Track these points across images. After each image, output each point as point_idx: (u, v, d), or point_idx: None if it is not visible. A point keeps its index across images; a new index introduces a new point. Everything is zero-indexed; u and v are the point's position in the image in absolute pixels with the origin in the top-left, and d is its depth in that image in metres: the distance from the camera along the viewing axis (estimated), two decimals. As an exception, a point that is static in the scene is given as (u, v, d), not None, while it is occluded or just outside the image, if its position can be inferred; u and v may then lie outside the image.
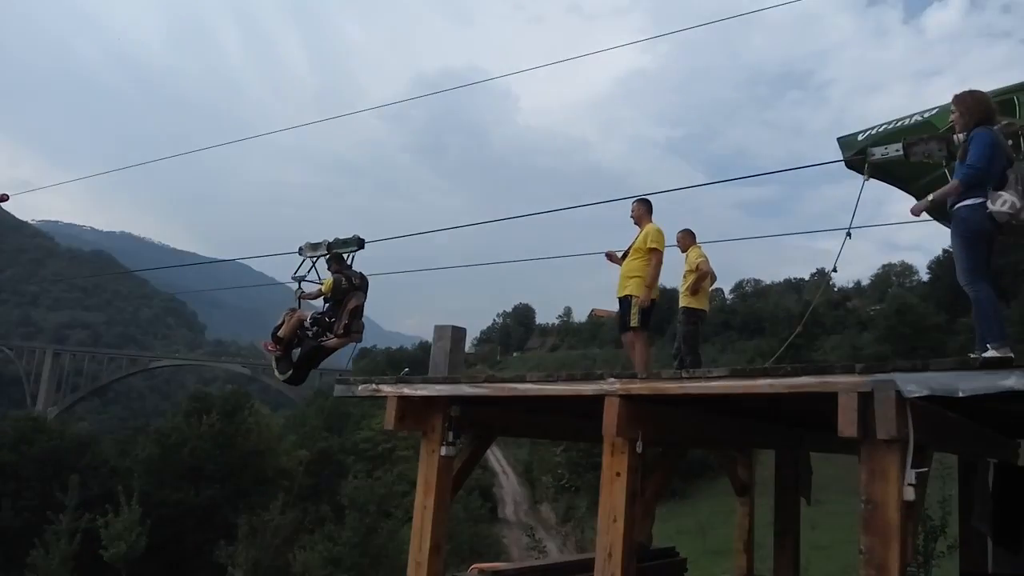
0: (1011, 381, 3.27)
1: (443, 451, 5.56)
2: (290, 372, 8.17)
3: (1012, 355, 3.91)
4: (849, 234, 5.90)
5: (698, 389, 4.24)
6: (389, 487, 34.07)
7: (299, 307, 8.32)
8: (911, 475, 3.58)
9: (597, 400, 4.53)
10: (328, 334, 7.85)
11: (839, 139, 5.94)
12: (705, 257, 7.95)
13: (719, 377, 4.19)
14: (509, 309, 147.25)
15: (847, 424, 3.58)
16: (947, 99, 5.11)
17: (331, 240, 8.40)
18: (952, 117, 4.77)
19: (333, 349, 7.97)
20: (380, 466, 44.36)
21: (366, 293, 8.02)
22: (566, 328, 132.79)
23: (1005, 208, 4.15)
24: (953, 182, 4.39)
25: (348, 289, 7.82)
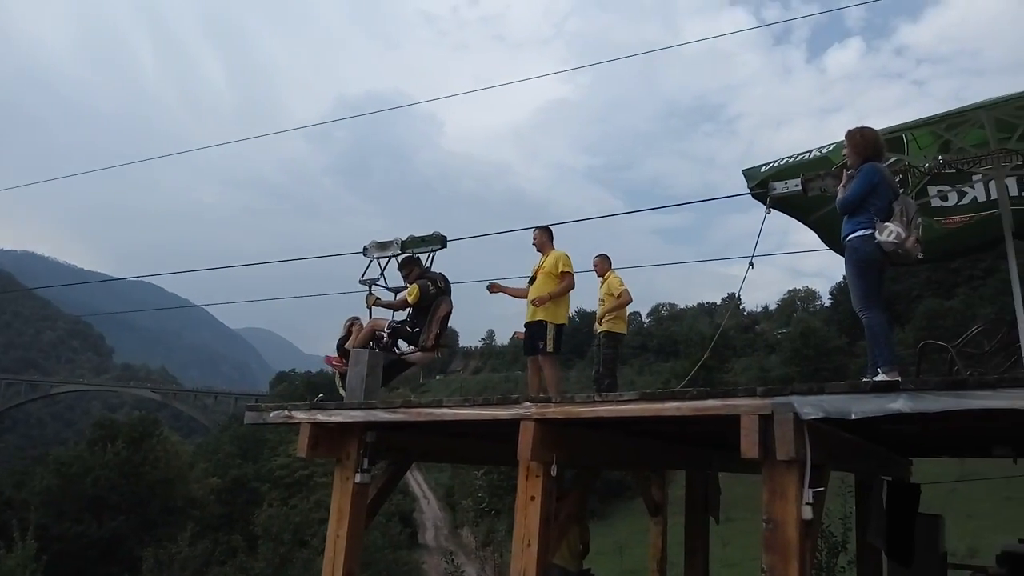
0: (898, 404, 3.47)
1: (358, 478, 5.47)
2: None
3: (899, 379, 4.18)
4: (752, 263, 6.17)
5: (610, 412, 4.33)
6: (305, 515, 33.07)
7: (371, 315, 7.29)
8: (809, 494, 3.73)
9: (513, 424, 4.57)
10: (408, 346, 6.98)
11: (744, 171, 6.23)
12: (623, 283, 8.13)
13: (630, 400, 4.29)
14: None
15: (749, 445, 3.72)
16: (843, 135, 5.49)
17: (404, 238, 7.35)
18: (844, 152, 5.08)
19: (415, 364, 7.13)
20: (296, 493, 43.11)
21: (451, 297, 7.21)
22: (489, 351, 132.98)
23: (891, 238, 4.48)
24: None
25: (436, 294, 6.98)
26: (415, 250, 7.25)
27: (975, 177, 6.42)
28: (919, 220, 4.67)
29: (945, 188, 6.65)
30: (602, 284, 8.21)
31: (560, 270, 7.29)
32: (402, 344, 7.07)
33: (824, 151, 5.98)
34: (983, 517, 26.45)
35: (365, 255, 7.37)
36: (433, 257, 7.28)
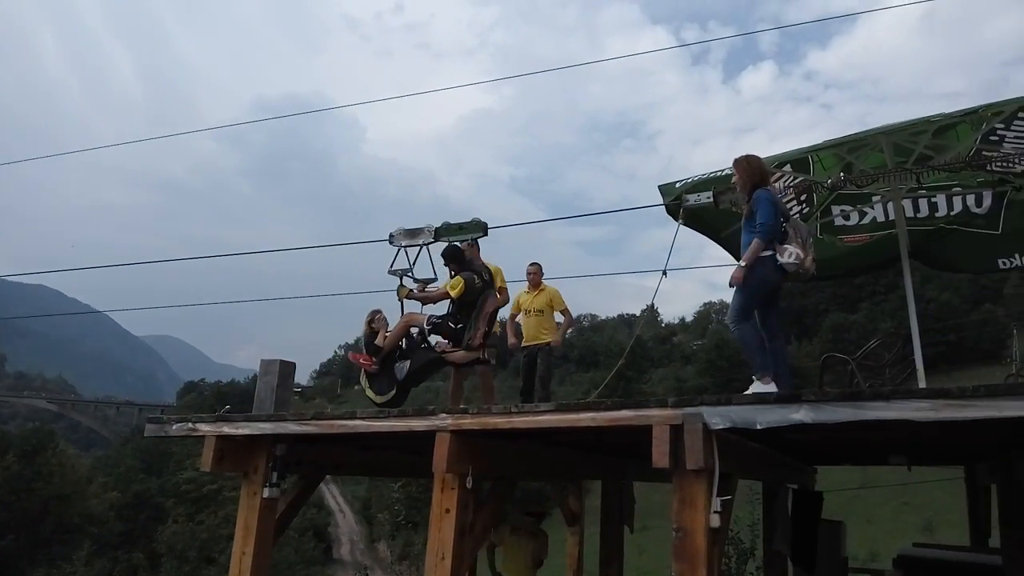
0: (800, 414, 3.59)
1: (266, 493, 5.28)
2: (393, 393, 6.45)
3: (774, 385, 4.40)
4: (664, 273, 6.32)
5: (526, 423, 4.32)
6: (213, 531, 31.88)
7: (402, 309, 6.76)
8: (716, 503, 3.81)
9: (429, 436, 4.50)
10: (447, 343, 6.42)
11: (660, 187, 6.38)
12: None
13: (546, 411, 4.29)
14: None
15: (660, 455, 3.77)
16: (760, 153, 5.77)
17: (439, 225, 6.70)
18: (734, 178, 5.32)
19: (458, 363, 6.49)
20: (204, 508, 41.55)
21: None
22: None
23: (792, 260, 4.77)
24: (754, 242, 4.88)
25: (482, 288, 6.38)
26: (451, 238, 6.65)
27: (875, 198, 6.77)
28: (811, 240, 4.98)
29: (847, 208, 6.98)
30: (537, 294, 7.88)
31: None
32: (432, 339, 6.66)
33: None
34: (882, 522, 27.84)
35: (391, 243, 6.81)
36: (477, 245, 6.73)
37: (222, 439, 5.23)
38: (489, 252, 7.13)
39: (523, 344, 7.84)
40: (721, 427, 3.72)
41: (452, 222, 6.64)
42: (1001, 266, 7.02)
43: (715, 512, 3.79)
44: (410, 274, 6.71)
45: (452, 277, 6.51)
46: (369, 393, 6.50)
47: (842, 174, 6.03)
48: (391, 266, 6.75)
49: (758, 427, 3.65)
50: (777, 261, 4.80)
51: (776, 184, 6.37)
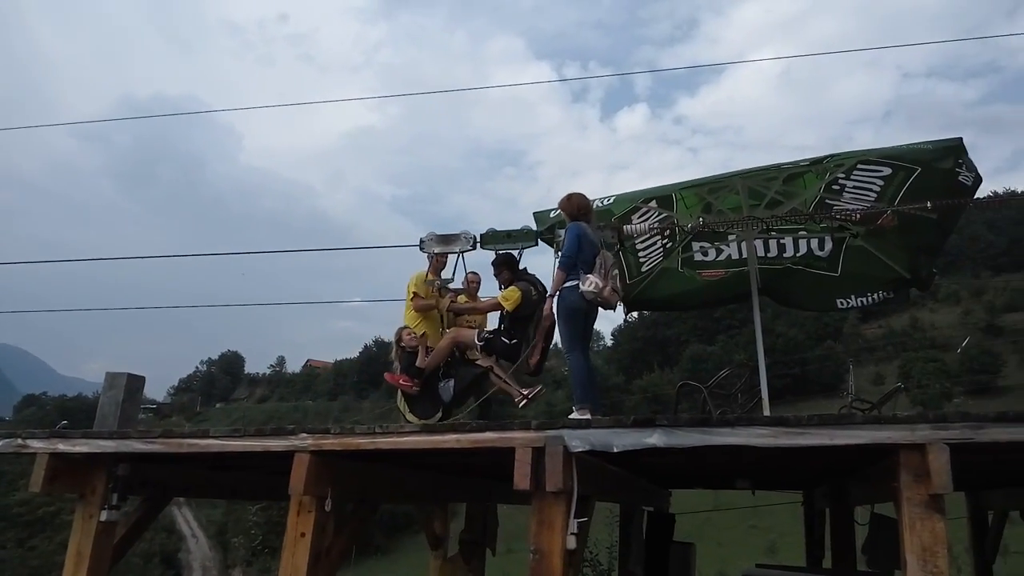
0: (654, 439, 3.75)
1: (104, 516, 4.90)
2: (439, 416, 5.88)
3: (589, 416, 4.71)
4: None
5: (390, 444, 4.26)
6: (47, 557, 29.31)
7: (442, 322, 6.17)
8: (574, 524, 3.90)
9: (288, 456, 4.35)
10: (497, 360, 5.80)
11: (535, 214, 6.53)
12: None
13: (411, 433, 4.26)
14: (215, 356, 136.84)
15: (521, 477, 3.82)
16: (631, 188, 6.10)
17: (484, 232, 6.09)
18: (558, 213, 5.74)
19: (504, 383, 5.80)
20: (39, 533, 38.07)
21: None
22: (278, 378, 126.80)
23: (591, 288, 5.12)
24: (556, 273, 5.30)
25: (539, 301, 5.75)
26: (498, 247, 6.09)
27: (730, 237, 7.24)
28: (615, 272, 5.36)
29: (706, 245, 7.42)
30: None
31: None
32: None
33: (606, 203, 6.44)
34: (731, 544, 29.30)
35: (422, 250, 6.20)
36: (521, 255, 6.13)
37: (56, 457, 4.82)
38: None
39: None
40: (581, 450, 3.82)
41: (499, 229, 6.15)
42: (839, 306, 7.67)
43: (572, 534, 3.88)
44: (447, 286, 6.27)
45: (502, 287, 5.98)
46: (411, 417, 5.94)
47: (700, 219, 6.42)
48: (426, 276, 6.21)
49: (615, 450, 3.78)
50: (579, 289, 5.15)
51: (639, 223, 6.71)
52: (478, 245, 6.17)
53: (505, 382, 5.81)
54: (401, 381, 5.97)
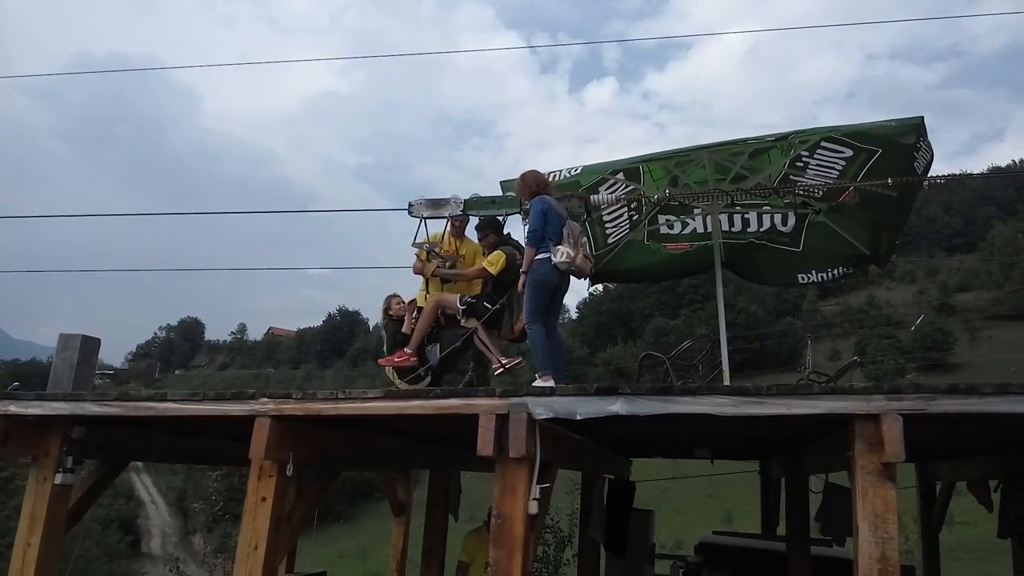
0: (616, 406, 3.79)
1: (58, 479, 4.81)
2: (428, 381, 5.80)
3: (553, 383, 4.75)
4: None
5: (352, 410, 4.24)
6: (1, 523, 28.80)
7: (426, 287, 6.02)
8: (536, 490, 3.94)
9: (249, 421, 4.30)
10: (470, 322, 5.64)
11: (502, 183, 6.49)
12: None
13: (374, 398, 4.24)
14: (174, 322, 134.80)
15: (484, 444, 3.83)
16: (599, 161, 6.09)
17: (469, 197, 5.98)
18: (517, 192, 5.71)
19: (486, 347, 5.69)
20: (-10, 499, 37.32)
21: None
22: (240, 345, 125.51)
23: (563, 259, 5.14)
24: (526, 250, 5.28)
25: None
26: (482, 212, 6.02)
27: (696, 210, 7.28)
28: (584, 239, 5.40)
29: (672, 218, 7.46)
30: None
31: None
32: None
33: (574, 173, 6.42)
34: (689, 512, 30.02)
35: (411, 214, 6.07)
36: (505, 221, 6.02)
37: (7, 419, 4.70)
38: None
39: None
40: (544, 417, 3.85)
41: (483, 195, 6.06)
42: (801, 280, 7.79)
43: (534, 499, 3.92)
44: (436, 249, 6.13)
45: (486, 251, 5.92)
46: (399, 383, 5.82)
47: (667, 190, 6.44)
48: (414, 239, 6.09)
49: (578, 417, 3.82)
50: (551, 261, 5.15)
51: (607, 194, 6.70)
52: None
53: (487, 347, 5.76)
54: (396, 359, 5.84)
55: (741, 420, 3.75)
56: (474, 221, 6.19)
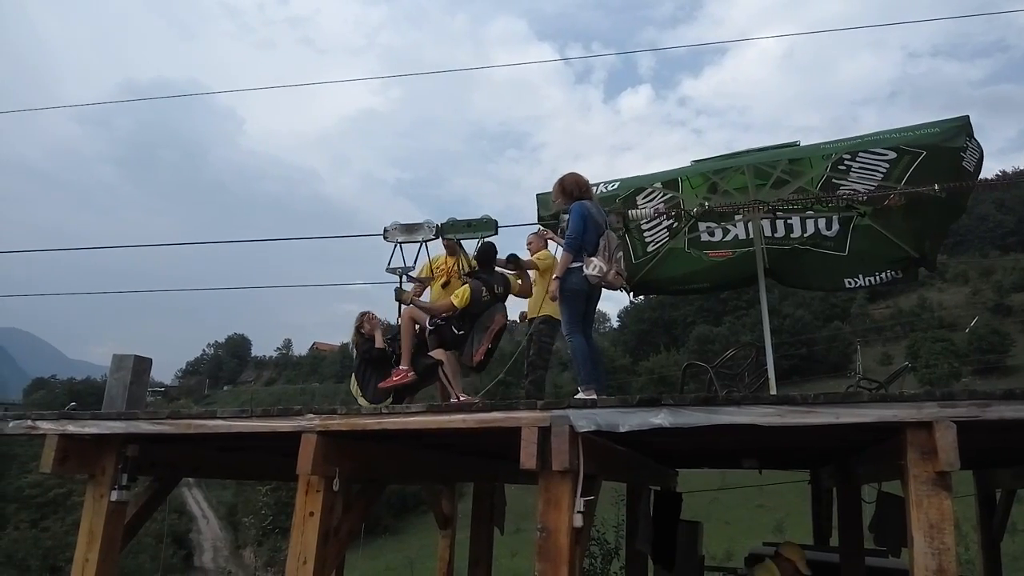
0: (660, 418, 3.75)
1: (114, 496, 4.95)
2: (389, 400, 5.87)
3: (595, 397, 4.64)
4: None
5: (396, 424, 4.28)
6: (59, 538, 29.71)
7: (399, 310, 6.08)
8: (580, 503, 3.92)
9: (296, 437, 4.37)
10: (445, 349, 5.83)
11: (538, 196, 6.48)
12: None
13: (417, 413, 4.27)
14: (222, 339, 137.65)
15: (527, 457, 3.84)
16: (634, 172, 6.00)
17: (444, 222, 6.10)
18: (553, 200, 5.62)
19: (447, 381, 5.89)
20: (51, 514, 38.55)
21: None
22: (285, 361, 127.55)
23: (595, 272, 5.05)
24: (562, 255, 5.22)
25: (490, 302, 5.86)
26: (459, 236, 6.16)
27: (737, 217, 7.19)
28: (619, 255, 5.26)
29: (713, 225, 7.38)
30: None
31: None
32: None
33: (611, 188, 6.36)
34: (738, 523, 29.46)
35: (386, 239, 6.22)
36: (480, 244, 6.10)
37: (66, 438, 4.86)
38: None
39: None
40: (587, 429, 3.83)
41: (459, 218, 6.16)
42: (847, 285, 7.63)
43: (578, 512, 3.89)
44: (408, 274, 6.28)
45: (465, 280, 6.02)
46: (362, 401, 5.92)
47: (706, 203, 6.37)
48: (388, 264, 6.24)
49: (621, 430, 3.79)
50: (583, 272, 5.08)
51: (644, 205, 6.66)
52: (440, 234, 6.21)
53: (448, 382, 5.89)
54: (395, 378, 5.86)
55: (788, 430, 3.69)
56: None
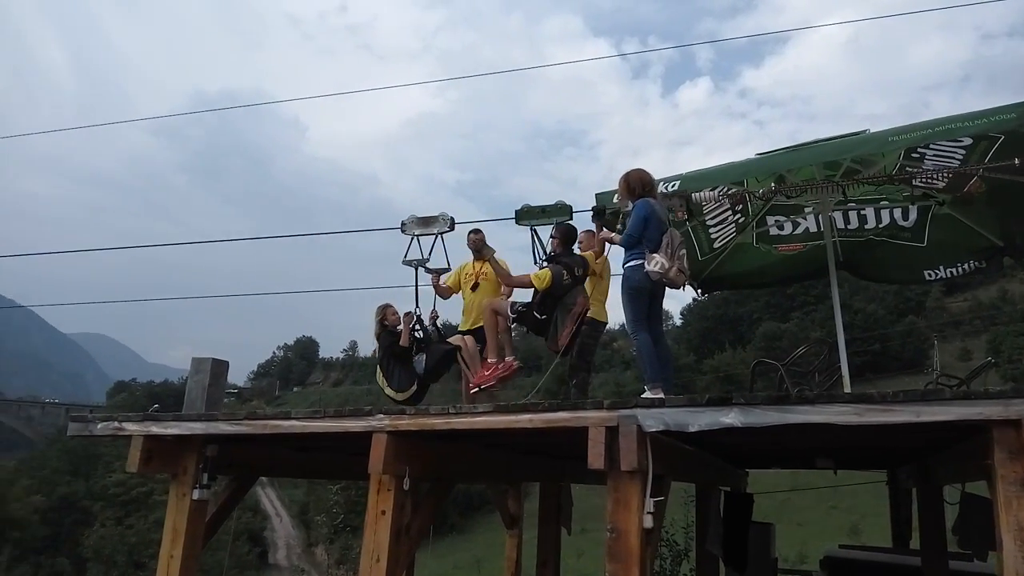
0: (730, 417, 3.68)
1: (195, 494, 5.14)
2: (413, 389, 6.13)
3: (663, 396, 4.57)
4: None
5: (464, 424, 4.32)
6: (143, 535, 30.98)
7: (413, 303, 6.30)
8: (650, 504, 3.88)
9: (366, 437, 4.46)
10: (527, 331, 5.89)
11: (597, 195, 6.42)
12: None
13: (483, 412, 4.30)
14: (291, 342, 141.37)
15: (595, 456, 3.82)
16: (694, 166, 5.92)
17: (519, 208, 6.05)
18: (616, 198, 5.57)
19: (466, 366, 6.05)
20: (134, 512, 40.32)
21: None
22: (352, 362, 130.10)
23: (656, 268, 4.99)
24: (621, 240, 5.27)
25: (571, 285, 5.79)
26: (533, 222, 6.05)
27: (807, 209, 7.00)
28: (682, 252, 5.16)
29: (781, 218, 7.20)
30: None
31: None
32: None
33: (671, 187, 6.24)
34: (811, 525, 28.68)
35: (404, 232, 6.38)
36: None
37: (150, 439, 5.08)
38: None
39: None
40: (655, 429, 3.79)
41: (533, 204, 6.09)
42: (927, 277, 7.34)
43: (648, 513, 3.86)
44: (425, 265, 6.41)
45: (545, 261, 5.94)
46: (388, 391, 6.13)
47: (773, 184, 6.21)
48: (405, 256, 6.40)
49: (691, 429, 3.73)
50: (644, 268, 5.03)
51: (708, 193, 6.52)
52: (455, 226, 6.35)
53: (467, 366, 5.96)
54: (487, 373, 5.87)
55: (864, 429, 3.57)
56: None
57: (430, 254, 6.42)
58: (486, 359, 5.99)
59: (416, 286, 6.45)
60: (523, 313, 5.85)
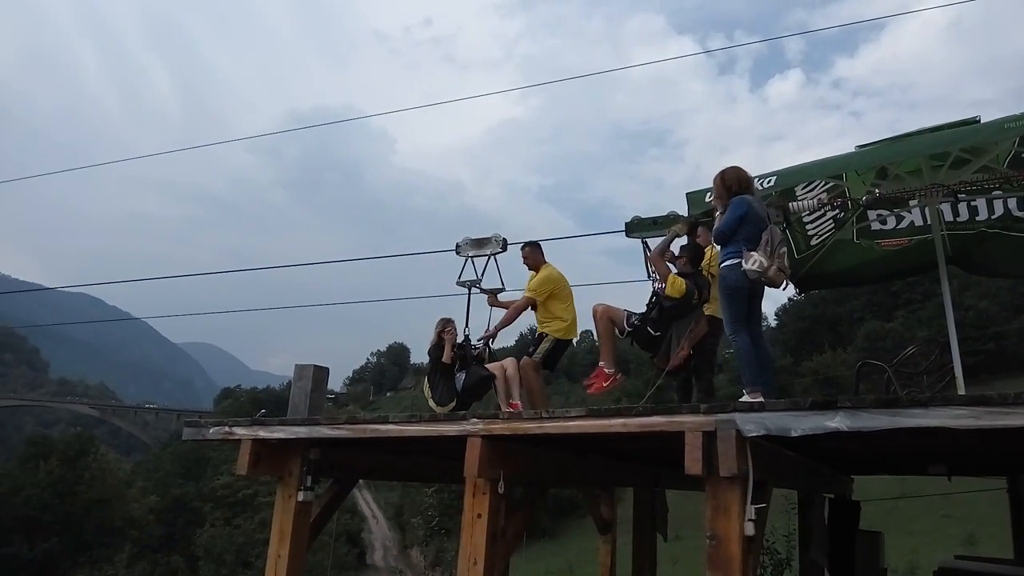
0: (836, 422, 3.53)
1: (300, 496, 5.35)
2: (453, 404, 6.10)
3: (763, 399, 4.36)
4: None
5: (556, 429, 4.32)
6: (249, 535, 32.36)
7: (466, 319, 6.44)
8: (751, 511, 3.77)
9: (461, 441, 4.53)
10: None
11: (688, 194, 6.28)
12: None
13: (576, 417, 4.29)
14: (383, 348, 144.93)
15: (693, 462, 3.74)
16: (787, 163, 5.69)
17: (629, 220, 6.05)
18: (709, 198, 5.44)
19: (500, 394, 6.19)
20: (240, 513, 42.19)
21: None
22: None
23: (755, 267, 4.80)
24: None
25: (697, 305, 5.66)
26: (644, 234, 5.99)
27: (912, 201, 6.64)
28: (783, 250, 4.96)
29: (884, 213, 6.87)
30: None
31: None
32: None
33: (767, 185, 6.04)
34: (922, 534, 27.15)
35: (458, 254, 6.58)
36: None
37: (258, 443, 5.32)
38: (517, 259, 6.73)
39: None
40: (755, 434, 3.68)
41: (643, 216, 6.04)
42: (1045, 271, 6.86)
43: (749, 520, 3.75)
44: (478, 286, 6.55)
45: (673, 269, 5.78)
46: (431, 403, 6.22)
47: (877, 190, 5.92)
48: (459, 277, 6.57)
49: (793, 434, 3.60)
50: (741, 267, 4.86)
51: (804, 196, 6.30)
52: (508, 246, 6.46)
53: (503, 398, 6.06)
54: (605, 383, 5.95)
55: (982, 433, 3.36)
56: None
57: (482, 274, 6.57)
58: (602, 367, 6.03)
59: (468, 306, 6.59)
60: (638, 327, 5.76)
